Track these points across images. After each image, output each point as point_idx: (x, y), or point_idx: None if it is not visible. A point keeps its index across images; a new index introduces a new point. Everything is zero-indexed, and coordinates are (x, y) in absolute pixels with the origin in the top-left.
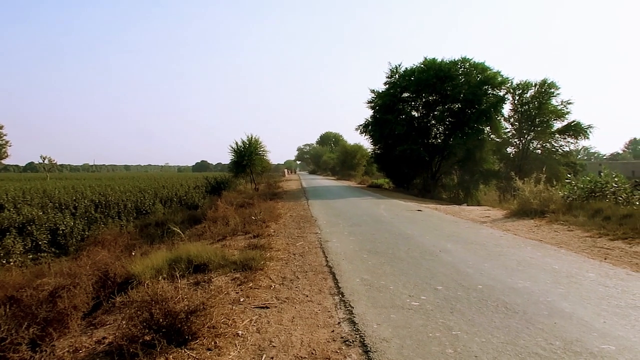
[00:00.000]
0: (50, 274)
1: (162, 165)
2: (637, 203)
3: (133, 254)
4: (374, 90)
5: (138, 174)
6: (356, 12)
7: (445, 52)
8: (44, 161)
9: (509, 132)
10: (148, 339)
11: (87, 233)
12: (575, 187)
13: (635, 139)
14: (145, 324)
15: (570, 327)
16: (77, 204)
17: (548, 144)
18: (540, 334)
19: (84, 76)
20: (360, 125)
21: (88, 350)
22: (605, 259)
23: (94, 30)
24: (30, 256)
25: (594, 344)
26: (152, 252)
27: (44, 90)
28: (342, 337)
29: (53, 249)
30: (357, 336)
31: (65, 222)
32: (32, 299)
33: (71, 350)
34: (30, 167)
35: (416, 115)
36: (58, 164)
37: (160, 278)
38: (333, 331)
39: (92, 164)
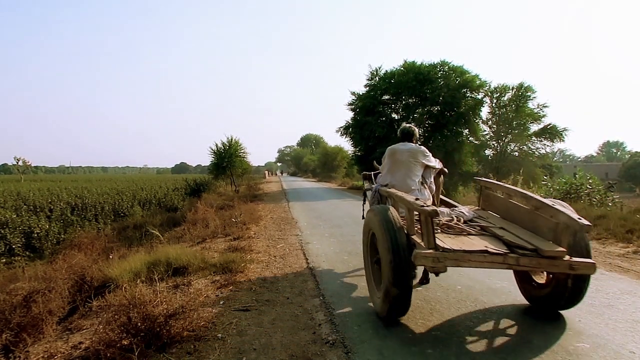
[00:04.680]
0: (24, 278)
1: (140, 167)
2: (611, 204)
3: (110, 257)
4: (354, 92)
5: (116, 176)
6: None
7: (425, 54)
8: (17, 162)
9: (487, 134)
10: (126, 343)
11: (63, 236)
12: (551, 189)
13: (608, 141)
14: (123, 328)
15: (546, 326)
16: (52, 207)
17: (525, 147)
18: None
19: (59, 75)
20: (341, 127)
21: (64, 355)
22: None
23: (71, 28)
24: (4, 260)
25: (569, 342)
26: (130, 255)
27: (17, 89)
28: (322, 339)
29: (27, 253)
30: (338, 337)
31: (40, 225)
32: (5, 303)
33: (46, 355)
34: (4, 168)
35: (396, 118)
36: (33, 165)
37: (138, 281)
38: (314, 333)
39: (68, 165)
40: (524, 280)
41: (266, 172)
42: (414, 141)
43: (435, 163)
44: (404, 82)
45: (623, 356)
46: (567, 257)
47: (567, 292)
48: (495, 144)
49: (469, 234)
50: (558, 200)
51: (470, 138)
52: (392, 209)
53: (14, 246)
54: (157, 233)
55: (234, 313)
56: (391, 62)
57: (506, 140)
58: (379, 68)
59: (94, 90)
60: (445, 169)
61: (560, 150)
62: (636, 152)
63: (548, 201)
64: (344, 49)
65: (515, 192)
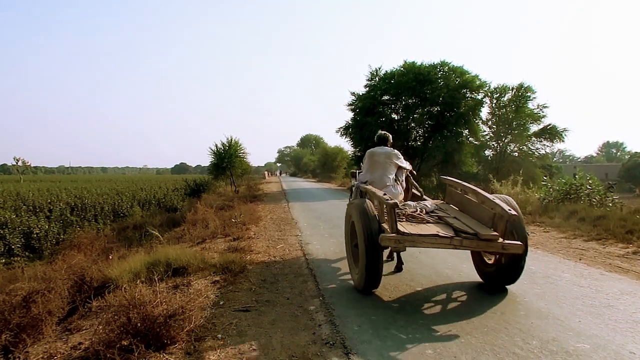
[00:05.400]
0: (23, 278)
1: (140, 168)
2: (610, 205)
3: (110, 257)
4: (354, 92)
5: (115, 176)
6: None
7: (425, 54)
8: (17, 163)
9: (487, 135)
10: (125, 343)
11: (62, 236)
12: (551, 189)
13: (608, 142)
14: (122, 328)
15: (546, 326)
16: (52, 207)
17: (525, 147)
18: (518, 334)
19: (59, 75)
20: (341, 127)
21: (63, 356)
22: (580, 259)
23: (71, 28)
24: (3, 260)
25: (569, 343)
26: (130, 255)
27: (17, 89)
28: (322, 340)
29: (27, 253)
30: (338, 338)
31: (39, 226)
32: (4, 304)
33: (45, 356)
34: (3, 169)
35: (396, 118)
36: (32, 165)
37: (138, 282)
38: (314, 333)
39: (67, 165)
40: (478, 261)
41: (266, 172)
42: (389, 145)
43: (406, 164)
44: (403, 83)
45: (623, 357)
46: (500, 240)
47: (508, 269)
48: (495, 145)
49: (428, 222)
50: (501, 195)
51: (470, 138)
52: (368, 201)
53: (13, 246)
54: (156, 233)
55: (234, 313)
56: (391, 63)
57: (506, 140)
58: (379, 68)
59: (94, 90)
60: (414, 171)
61: (560, 151)
62: (636, 152)
63: (490, 196)
64: (344, 49)
65: (468, 189)
